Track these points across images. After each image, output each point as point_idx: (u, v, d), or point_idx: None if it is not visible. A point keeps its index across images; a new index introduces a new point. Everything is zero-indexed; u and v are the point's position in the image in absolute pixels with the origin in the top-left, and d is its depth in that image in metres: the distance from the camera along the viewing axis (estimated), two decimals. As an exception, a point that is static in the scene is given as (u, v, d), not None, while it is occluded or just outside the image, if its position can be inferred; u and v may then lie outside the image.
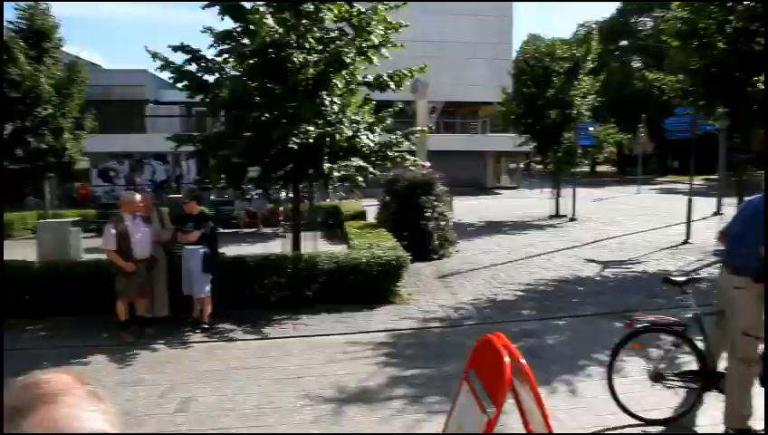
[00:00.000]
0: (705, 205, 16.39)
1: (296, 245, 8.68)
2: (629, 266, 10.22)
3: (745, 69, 9.95)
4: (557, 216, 18.35)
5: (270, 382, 5.17)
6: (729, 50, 10.15)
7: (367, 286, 7.62)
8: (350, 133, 7.52)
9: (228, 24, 7.83)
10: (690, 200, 12.78)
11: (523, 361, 2.41)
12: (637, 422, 4.27)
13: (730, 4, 10.14)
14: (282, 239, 12.02)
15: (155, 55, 7.65)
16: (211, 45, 7.64)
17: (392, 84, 7.95)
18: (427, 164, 10.47)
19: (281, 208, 16.14)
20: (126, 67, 33.79)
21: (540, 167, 19.95)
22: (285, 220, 15.07)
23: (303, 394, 4.87)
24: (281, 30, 7.15)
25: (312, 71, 7.32)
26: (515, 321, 6.99)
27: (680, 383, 4.45)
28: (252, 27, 7.15)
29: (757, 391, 4.04)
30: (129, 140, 28.79)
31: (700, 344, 4.37)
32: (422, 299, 8.03)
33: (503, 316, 7.21)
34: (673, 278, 4.70)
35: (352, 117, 7.82)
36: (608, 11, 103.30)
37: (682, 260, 10.67)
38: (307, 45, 7.34)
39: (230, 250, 9.63)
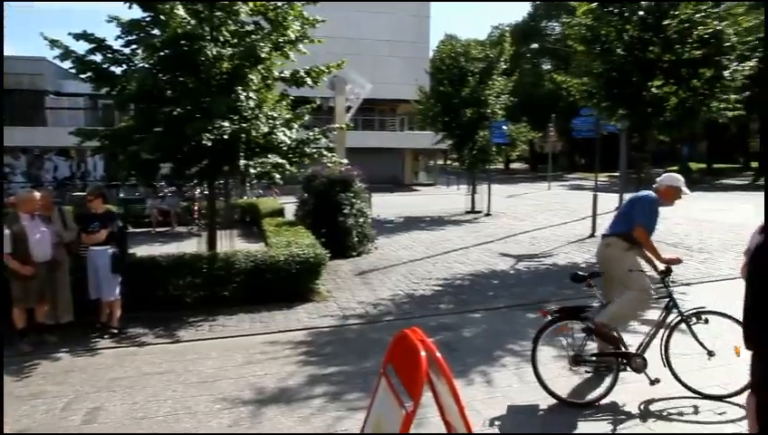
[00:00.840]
0: (608, 200, 17.43)
1: (212, 244, 8.42)
2: (541, 260, 10.72)
3: (641, 74, 10.70)
4: (473, 212, 18.93)
5: (185, 387, 4.99)
6: (627, 56, 10.88)
7: (285, 285, 7.52)
8: (266, 130, 7.38)
9: (137, 13, 7.46)
10: (595, 196, 13.58)
11: (438, 355, 2.46)
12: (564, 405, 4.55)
13: (627, 14, 10.87)
14: (197, 238, 11.63)
15: (54, 43, 7.15)
16: (118, 36, 7.24)
17: (309, 80, 7.88)
18: (345, 161, 10.48)
19: (196, 206, 15.58)
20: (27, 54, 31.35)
21: (456, 164, 20.49)
22: (200, 218, 14.58)
23: (221, 397, 4.75)
24: (193, 21, 6.89)
25: (226, 65, 7.11)
26: (433, 315, 7.15)
27: (597, 366, 4.81)
28: (162, 18, 6.84)
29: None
30: (29, 134, 26.68)
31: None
32: (341, 296, 8.04)
33: (421, 311, 7.35)
34: (579, 274, 5.00)
35: (269, 113, 7.68)
36: (520, 14, 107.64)
37: (588, 253, 11.30)
38: (221, 39, 7.12)
39: (141, 250, 9.21)
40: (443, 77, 18.80)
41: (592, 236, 13.12)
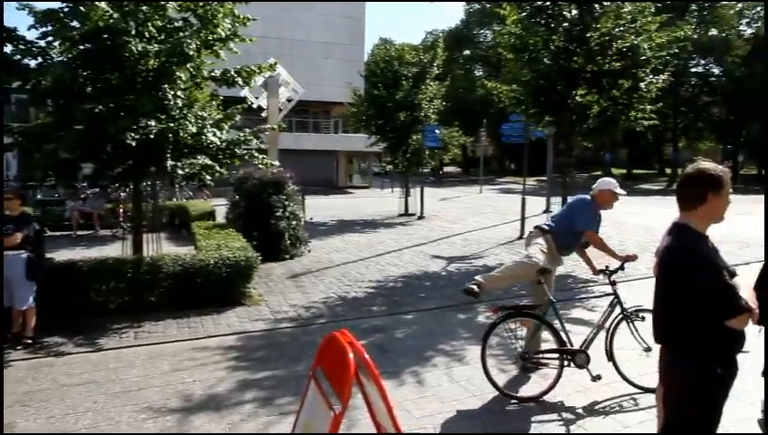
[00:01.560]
0: (536, 203, 18.13)
1: (138, 247, 8.09)
2: (472, 261, 10.98)
3: (566, 83, 11.20)
4: (406, 214, 19.15)
5: (107, 398, 4.77)
6: (553, 65, 11.36)
7: (215, 289, 7.34)
8: (195, 130, 7.17)
9: (54, 2, 7.05)
10: (524, 199, 14.06)
11: (366, 356, 2.48)
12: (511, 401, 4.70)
13: (553, 25, 11.34)
14: (122, 242, 11.14)
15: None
16: (32, 26, 6.81)
17: (240, 80, 7.72)
18: (277, 163, 10.34)
19: (121, 208, 14.91)
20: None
21: (390, 167, 20.68)
22: (126, 221, 13.98)
23: (146, 407, 4.57)
24: (116, 15, 6.59)
25: (152, 62, 6.85)
26: (365, 317, 7.18)
27: (543, 362, 4.97)
28: (82, 9, 6.51)
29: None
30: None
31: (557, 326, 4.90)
32: (273, 300, 7.93)
33: (353, 313, 7.36)
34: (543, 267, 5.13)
35: (199, 113, 7.46)
36: (453, 21, 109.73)
37: (517, 253, 11.67)
38: (147, 34, 6.85)
39: (61, 255, 8.74)
40: (377, 80, 18.95)
41: (521, 238, 13.56)
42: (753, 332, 2.94)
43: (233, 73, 7.72)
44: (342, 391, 2.33)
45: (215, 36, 7.19)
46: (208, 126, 7.49)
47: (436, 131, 18.93)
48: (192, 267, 7.25)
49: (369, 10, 47.14)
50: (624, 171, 48.62)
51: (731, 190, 2.67)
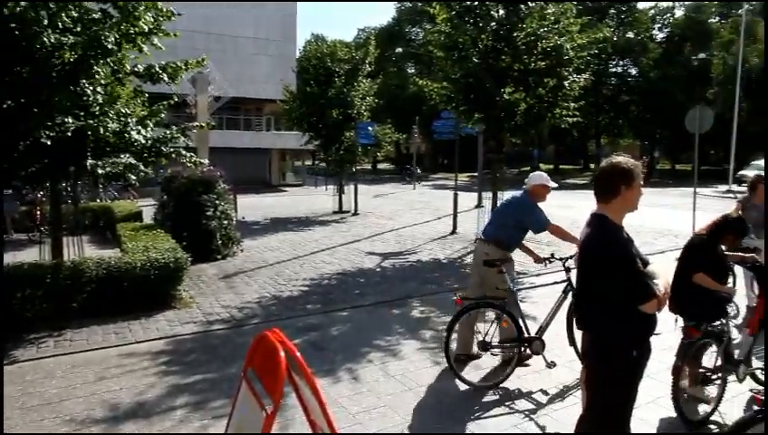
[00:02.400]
0: (468, 199, 18.55)
1: (57, 251, 7.66)
2: (406, 257, 11.10)
3: (494, 81, 11.50)
4: (340, 212, 19.13)
5: (23, 413, 4.49)
6: (482, 64, 11.63)
7: (143, 292, 7.06)
8: (117, 127, 6.84)
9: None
10: (456, 195, 14.35)
11: (298, 354, 2.46)
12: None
13: (481, 24, 11.61)
14: (39, 246, 10.50)
15: None
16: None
17: (165, 76, 7.43)
18: (206, 162, 10.06)
19: (38, 211, 14.05)
20: None
21: (324, 164, 20.58)
22: (43, 224, 13.19)
23: (68, 419, 4.34)
24: (24, 3, 6.17)
25: (68, 55, 6.47)
26: (300, 316, 7.12)
27: (503, 350, 5.14)
28: (-14, -3, 6.06)
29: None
30: None
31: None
32: (205, 301, 7.72)
33: (288, 312, 7.28)
34: (490, 260, 5.30)
35: (121, 109, 7.13)
36: (385, 18, 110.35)
37: (450, 249, 11.93)
38: (61, 25, 6.46)
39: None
40: (309, 77, 18.79)
41: (453, 233, 13.86)
42: (663, 317, 3.13)
43: (157, 69, 7.42)
44: (274, 391, 2.30)
45: (137, 30, 6.87)
46: (132, 123, 7.17)
47: (369, 128, 19.02)
48: (117, 271, 6.95)
49: (302, 7, 46.67)
50: (551, 166, 50.56)
51: (642, 183, 2.84)
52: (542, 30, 11.24)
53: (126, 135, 6.98)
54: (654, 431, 4.12)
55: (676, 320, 4.33)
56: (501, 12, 11.64)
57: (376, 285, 8.80)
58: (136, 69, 7.37)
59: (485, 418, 4.37)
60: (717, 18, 54.09)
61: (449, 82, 12.31)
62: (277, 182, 36.43)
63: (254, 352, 2.69)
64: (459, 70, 11.90)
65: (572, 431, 3.22)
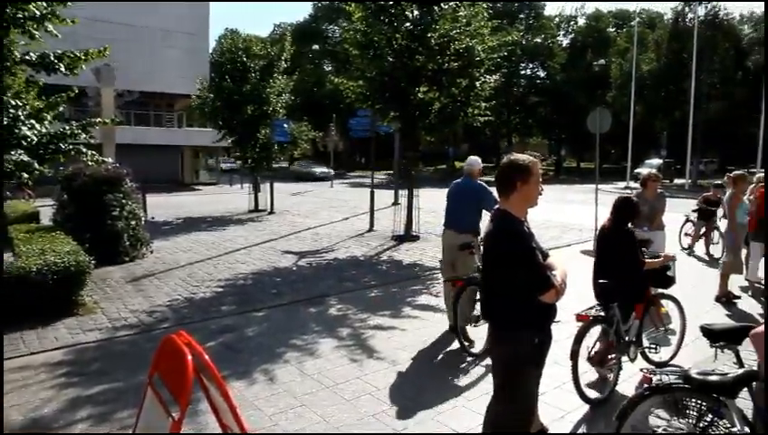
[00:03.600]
0: (385, 196, 18.74)
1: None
2: (323, 255, 11.05)
3: (409, 80, 11.68)
4: (256, 210, 18.76)
5: None
6: (396, 63, 11.77)
7: (40, 299, 6.55)
8: (5, 121, 6.31)
9: None
10: (372, 192, 14.45)
11: (207, 357, 2.38)
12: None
13: (396, 24, 11.75)
14: None
15: None
16: None
17: (62, 67, 6.93)
18: (110, 159, 9.51)
19: None
20: None
21: (239, 162, 20.05)
22: None
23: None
24: None
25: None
26: (214, 318, 6.90)
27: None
28: None
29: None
30: None
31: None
32: (111, 306, 7.31)
33: (201, 315, 7.04)
34: (464, 243, 5.78)
35: (11, 101, 6.57)
36: (302, 15, 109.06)
37: (367, 246, 12.00)
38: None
39: None
40: (224, 72, 18.25)
41: (371, 230, 13.95)
42: (563, 305, 3.31)
43: (53, 59, 6.91)
44: (181, 396, 2.22)
45: (26, 14, 6.36)
46: (22, 117, 6.63)
47: (285, 126, 18.73)
48: (10, 277, 6.41)
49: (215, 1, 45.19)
50: (480, 168, 52.04)
51: (540, 179, 2.98)
52: (454, 31, 11.52)
53: (16, 130, 6.44)
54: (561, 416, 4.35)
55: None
56: (415, 12, 11.83)
57: (292, 283, 8.69)
58: (27, 57, 6.84)
59: (402, 412, 4.43)
60: (614, 28, 57.92)
61: (365, 80, 12.37)
62: (190, 181, 35.11)
63: (159, 356, 2.59)
64: (374, 68, 11.99)
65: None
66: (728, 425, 2.73)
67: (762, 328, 1.60)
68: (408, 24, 11.74)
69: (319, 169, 40.81)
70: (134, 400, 4.43)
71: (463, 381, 5.00)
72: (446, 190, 6.73)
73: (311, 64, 59.21)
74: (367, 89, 12.39)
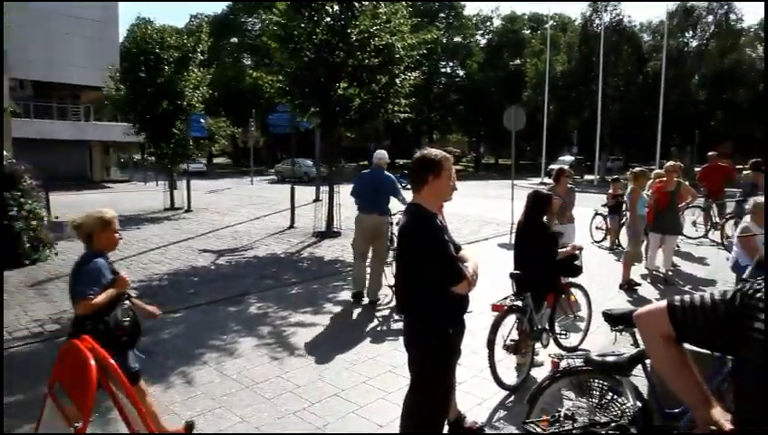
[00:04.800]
0: (307, 193, 18.56)
1: None
2: (242, 253, 10.80)
3: (329, 75, 11.61)
4: (172, 208, 18.06)
5: None
6: (317, 58, 11.67)
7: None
8: None
9: None
10: (293, 189, 14.28)
11: (112, 361, 2.27)
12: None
13: (316, 18, 11.64)
14: None
15: None
16: None
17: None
18: (7, 155, 8.81)
19: None
20: None
21: (153, 158, 19.18)
22: None
23: None
24: None
25: None
26: (126, 321, 6.57)
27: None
28: None
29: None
30: None
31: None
32: (9, 314, 6.77)
33: (112, 318, 6.68)
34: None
35: None
36: (220, 7, 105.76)
37: (287, 243, 11.84)
38: None
39: None
40: (136, 64, 17.37)
41: (291, 227, 13.78)
42: (480, 296, 3.41)
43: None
44: (83, 404, 2.10)
45: None
46: None
47: (202, 121, 18.11)
48: None
49: (123, -14, 42.86)
50: (388, 161, 52.49)
51: (453, 174, 3.05)
52: (374, 28, 11.57)
53: None
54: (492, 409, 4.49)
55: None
56: (336, 8, 11.77)
57: (210, 283, 8.44)
58: None
59: (323, 409, 4.41)
60: (529, 30, 60.37)
61: (284, 74, 12.18)
62: (100, 178, 33.23)
63: (60, 363, 2.44)
64: (294, 63, 11.83)
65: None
66: (625, 401, 2.93)
67: (642, 308, 1.73)
68: (328, 20, 11.67)
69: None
70: (36, 413, 4.15)
71: (384, 374, 5.04)
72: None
73: (229, 58, 57.58)
74: (287, 84, 12.21)
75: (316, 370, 5.14)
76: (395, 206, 7.79)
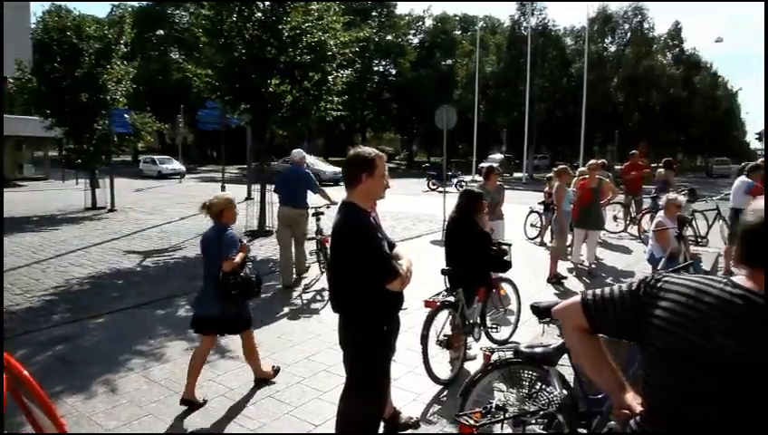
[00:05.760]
0: (238, 191, 18.12)
1: None
2: (171, 254, 10.42)
3: (260, 72, 11.38)
4: (94, 208, 17.17)
5: None
6: (247, 53, 11.41)
7: None
8: None
9: None
10: (223, 187, 13.95)
11: (26, 373, 2.12)
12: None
13: (247, 13, 11.37)
14: None
15: None
16: None
17: None
18: None
19: None
20: None
21: (72, 154, 18.10)
22: None
23: None
24: None
25: None
26: (43, 329, 6.18)
27: None
28: None
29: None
30: None
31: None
32: None
33: (26, 326, 6.24)
34: (317, 212, 7.43)
35: None
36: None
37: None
38: None
39: None
40: (50, 53, 16.34)
41: (225, 226, 13.40)
42: (414, 293, 3.44)
43: None
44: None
45: None
46: None
47: (126, 116, 17.28)
48: None
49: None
50: (321, 159, 52.24)
51: (386, 172, 3.06)
52: (306, 25, 11.45)
53: None
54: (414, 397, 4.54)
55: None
56: (267, 3, 11.56)
57: (136, 286, 8.08)
58: None
59: (257, 411, 4.33)
60: (460, 31, 61.65)
61: (214, 69, 11.84)
62: (12, 176, 31.12)
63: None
64: (224, 58, 11.52)
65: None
66: (553, 390, 3.04)
67: (560, 304, 1.82)
68: (259, 15, 11.43)
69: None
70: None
71: (319, 373, 5.01)
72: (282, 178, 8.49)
73: (155, 51, 55.34)
74: (216, 79, 11.87)
75: (250, 372, 5.02)
76: (318, 200, 8.55)
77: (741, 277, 1.45)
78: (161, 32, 57.41)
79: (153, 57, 52.16)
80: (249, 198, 16.73)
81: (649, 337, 1.52)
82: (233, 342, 5.78)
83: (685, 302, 1.47)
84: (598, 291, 1.71)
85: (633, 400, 1.61)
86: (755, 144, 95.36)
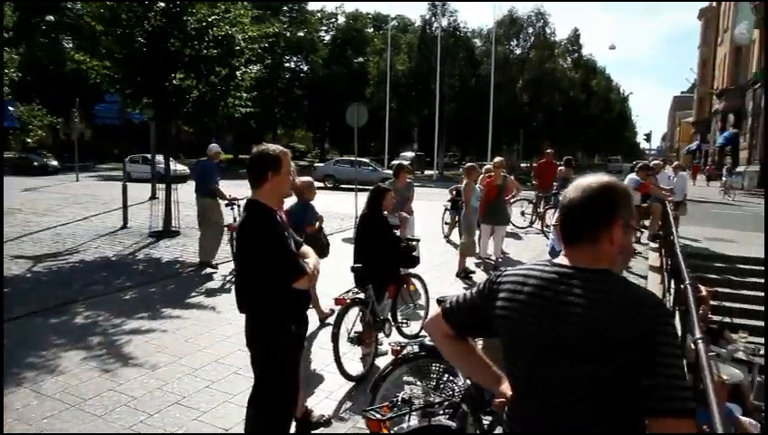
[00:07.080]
0: (142, 190, 17.24)
1: None
2: (66, 257, 9.75)
3: (164, 65, 10.87)
4: (-26, 209, 15.69)
5: None
6: (149, 45, 10.85)
7: None
8: None
9: None
10: (125, 186, 13.20)
11: None
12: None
13: (148, 2, 10.80)
14: None
15: None
16: None
17: None
18: None
19: None
20: None
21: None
22: None
23: None
24: None
25: None
26: None
27: None
28: None
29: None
30: None
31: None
32: None
33: None
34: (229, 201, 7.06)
35: None
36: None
37: (120, 244, 10.93)
38: None
39: None
40: None
41: (125, 227, 12.74)
42: (325, 292, 3.43)
43: None
44: None
45: None
46: None
47: (11, 108, 15.92)
48: None
49: None
50: (231, 156, 50.79)
51: (292, 169, 3.04)
52: (212, 17, 11.07)
53: None
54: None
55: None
56: (170, -8, 11.05)
57: (26, 293, 7.44)
58: None
59: (162, 419, 4.16)
60: (372, 29, 62.09)
61: (112, 61, 11.16)
62: None
63: None
64: (123, 49, 10.90)
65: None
66: (458, 381, 3.15)
67: (429, 316, 1.99)
68: (162, 5, 10.90)
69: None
70: None
71: (228, 376, 4.88)
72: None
73: (45, 38, 51.34)
74: (115, 71, 11.20)
75: (155, 379, 4.81)
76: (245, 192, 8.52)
77: (563, 257, 1.59)
78: (51, 18, 53.30)
79: (42, 45, 48.41)
80: (153, 197, 15.95)
81: (496, 329, 1.66)
82: (138, 347, 5.52)
83: (514, 289, 1.61)
84: (454, 297, 1.82)
85: (507, 388, 1.72)
86: (644, 144, 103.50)
